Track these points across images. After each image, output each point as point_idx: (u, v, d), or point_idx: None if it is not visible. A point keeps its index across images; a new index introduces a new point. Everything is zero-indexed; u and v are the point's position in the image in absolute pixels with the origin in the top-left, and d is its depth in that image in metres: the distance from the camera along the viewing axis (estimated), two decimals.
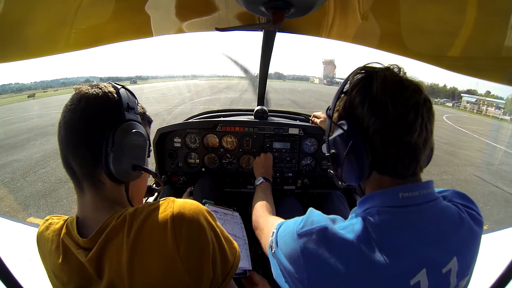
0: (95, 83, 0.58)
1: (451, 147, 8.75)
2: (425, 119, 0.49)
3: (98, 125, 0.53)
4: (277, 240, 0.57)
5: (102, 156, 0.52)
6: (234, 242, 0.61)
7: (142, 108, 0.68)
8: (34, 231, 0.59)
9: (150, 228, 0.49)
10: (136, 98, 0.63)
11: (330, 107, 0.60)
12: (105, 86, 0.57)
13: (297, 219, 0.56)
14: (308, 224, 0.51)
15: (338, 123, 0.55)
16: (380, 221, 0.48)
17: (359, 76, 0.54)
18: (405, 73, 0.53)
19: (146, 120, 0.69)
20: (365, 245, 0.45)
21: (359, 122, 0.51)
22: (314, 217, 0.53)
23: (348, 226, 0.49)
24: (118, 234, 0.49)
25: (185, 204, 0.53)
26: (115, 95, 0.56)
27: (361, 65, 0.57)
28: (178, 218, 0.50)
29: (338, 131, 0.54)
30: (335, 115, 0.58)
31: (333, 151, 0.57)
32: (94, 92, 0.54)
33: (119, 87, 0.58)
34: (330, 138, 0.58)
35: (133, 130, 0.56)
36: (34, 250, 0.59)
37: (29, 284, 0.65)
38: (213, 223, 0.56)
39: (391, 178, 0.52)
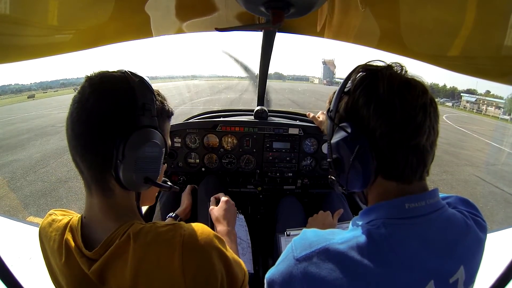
0: (108, 72, 0.50)
1: (451, 147, 8.74)
2: (432, 120, 0.47)
3: (108, 132, 0.48)
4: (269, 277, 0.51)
5: (112, 166, 0.48)
6: (242, 263, 0.60)
7: (161, 103, 0.60)
8: (34, 230, 0.58)
9: (155, 253, 0.47)
10: (153, 93, 0.54)
11: (330, 108, 0.55)
12: (116, 80, 0.50)
13: (288, 248, 0.51)
14: (306, 247, 0.47)
15: (340, 125, 0.51)
16: (386, 234, 0.45)
17: (361, 74, 0.51)
18: (406, 71, 0.51)
19: (166, 116, 0.62)
20: (371, 260, 0.43)
21: (364, 124, 0.48)
22: (312, 238, 0.49)
23: (352, 239, 0.46)
24: (122, 254, 0.47)
25: (196, 232, 0.50)
26: (129, 93, 0.49)
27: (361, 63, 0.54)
28: (188, 248, 0.48)
29: (341, 134, 0.51)
30: (336, 116, 0.54)
31: (336, 156, 0.53)
32: (105, 89, 0.49)
33: (135, 79, 0.51)
34: (332, 141, 0.53)
35: (148, 142, 0.50)
36: (34, 249, 0.59)
37: (29, 284, 0.65)
38: (224, 250, 0.53)
39: (397, 183, 0.49)
